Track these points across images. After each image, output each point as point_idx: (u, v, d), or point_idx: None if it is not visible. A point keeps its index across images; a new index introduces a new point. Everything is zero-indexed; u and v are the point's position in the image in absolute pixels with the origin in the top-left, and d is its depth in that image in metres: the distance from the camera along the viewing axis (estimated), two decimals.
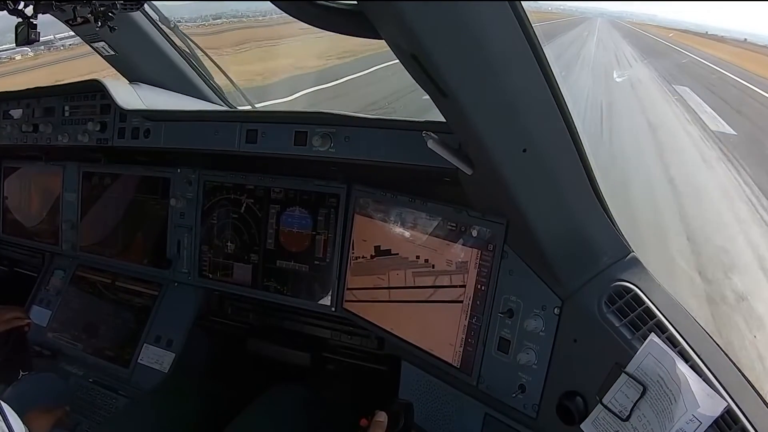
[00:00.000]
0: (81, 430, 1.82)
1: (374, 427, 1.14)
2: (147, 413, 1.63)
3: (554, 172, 1.03)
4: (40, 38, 1.22)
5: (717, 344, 1.06)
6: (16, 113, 2.12)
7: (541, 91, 0.91)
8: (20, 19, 1.17)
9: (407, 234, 1.47)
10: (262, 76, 8.98)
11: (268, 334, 1.85)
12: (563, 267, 1.15)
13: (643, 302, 1.08)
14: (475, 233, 1.31)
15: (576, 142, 1.01)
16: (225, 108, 2.09)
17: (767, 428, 0.93)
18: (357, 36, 0.86)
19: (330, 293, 1.69)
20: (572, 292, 1.16)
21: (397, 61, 0.87)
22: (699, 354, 1.00)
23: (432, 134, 1.07)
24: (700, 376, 0.96)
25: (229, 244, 1.85)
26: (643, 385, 0.99)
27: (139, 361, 1.94)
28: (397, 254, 1.49)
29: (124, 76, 1.98)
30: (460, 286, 1.34)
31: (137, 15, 1.79)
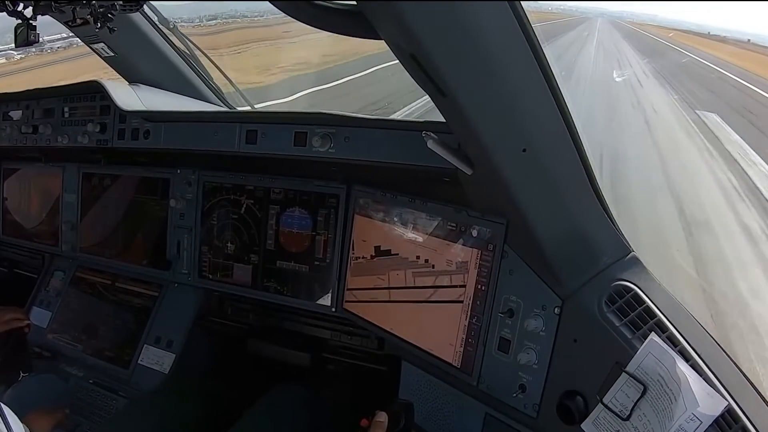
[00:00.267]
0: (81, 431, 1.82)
1: (374, 428, 1.14)
2: (147, 414, 1.63)
3: (554, 172, 1.03)
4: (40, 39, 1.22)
5: (717, 343, 1.06)
6: (16, 114, 2.12)
7: (541, 91, 0.91)
8: (20, 21, 1.17)
9: (407, 234, 1.47)
10: (261, 76, 8.99)
11: (268, 335, 1.85)
12: (563, 267, 1.15)
13: (644, 302, 1.08)
14: (475, 233, 1.31)
15: (576, 142, 1.01)
16: (224, 109, 2.09)
17: None
18: (356, 36, 0.86)
19: (330, 293, 1.69)
20: (572, 292, 1.16)
21: (397, 61, 0.87)
22: (699, 353, 1.00)
23: (432, 134, 1.07)
24: (701, 376, 0.96)
25: (228, 244, 1.85)
26: (643, 384, 0.99)
27: (139, 362, 1.94)
28: (397, 254, 1.49)
29: (123, 78, 1.98)
30: (460, 286, 1.34)
31: (136, 16, 1.79)
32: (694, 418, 0.92)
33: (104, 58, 1.92)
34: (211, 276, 1.90)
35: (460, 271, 1.34)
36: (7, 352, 1.91)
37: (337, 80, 9.54)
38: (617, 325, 1.08)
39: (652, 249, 4.12)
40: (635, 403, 1.00)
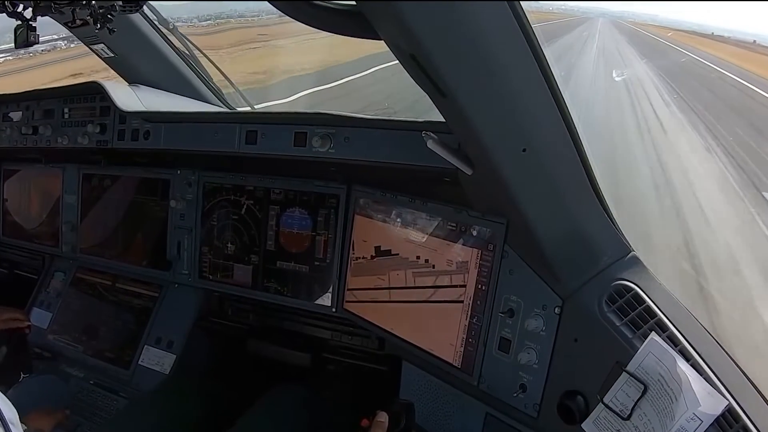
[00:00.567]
0: None
1: (375, 428, 1.14)
2: (147, 414, 1.63)
3: (554, 172, 1.03)
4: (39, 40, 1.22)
5: (718, 343, 1.06)
6: (16, 115, 2.12)
7: (541, 91, 0.91)
8: (19, 22, 1.17)
9: (407, 234, 1.47)
10: (261, 76, 8.98)
11: (268, 335, 1.85)
12: (563, 266, 1.15)
13: (644, 301, 1.08)
14: (475, 233, 1.31)
15: (576, 142, 1.01)
16: (224, 109, 2.09)
17: None
18: (356, 36, 0.86)
19: (330, 294, 1.69)
20: (573, 292, 1.16)
21: (397, 61, 0.87)
22: (700, 352, 1.00)
23: (432, 134, 1.07)
24: (701, 375, 0.96)
25: (229, 245, 1.85)
26: (644, 383, 0.99)
27: (139, 362, 1.94)
28: (398, 254, 1.49)
29: (123, 78, 1.98)
30: (461, 286, 1.34)
31: (136, 17, 1.79)
32: (695, 417, 0.92)
33: (104, 59, 1.92)
34: (211, 276, 1.90)
35: (461, 271, 1.34)
36: (7, 353, 1.91)
37: (337, 80, 9.54)
38: (618, 324, 1.08)
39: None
40: (636, 403, 1.00)
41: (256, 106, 2.30)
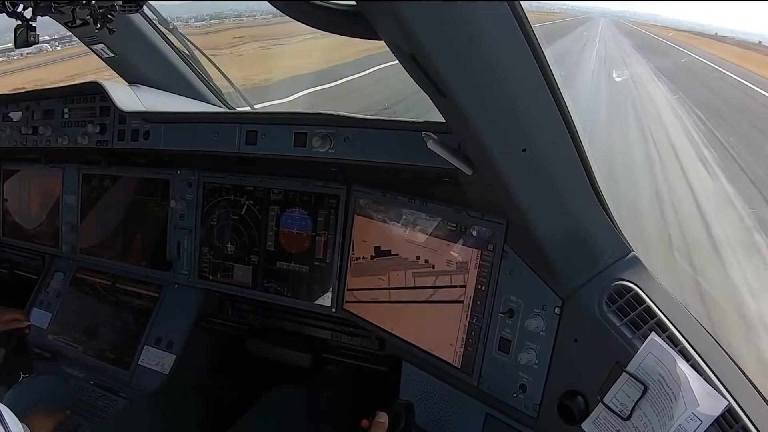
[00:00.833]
0: None
1: (375, 428, 1.13)
2: (148, 415, 1.63)
3: (554, 172, 1.03)
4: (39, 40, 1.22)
5: (718, 343, 1.06)
6: (16, 116, 2.12)
7: (541, 91, 0.91)
8: (19, 22, 1.17)
9: (407, 234, 1.47)
10: (261, 76, 8.98)
11: (268, 335, 1.85)
12: (563, 266, 1.15)
13: (644, 301, 1.08)
14: (475, 233, 1.31)
15: (576, 142, 1.01)
16: (224, 109, 2.09)
17: None
18: (356, 36, 0.86)
19: (330, 294, 1.69)
20: (572, 292, 1.16)
21: (397, 61, 0.87)
22: (699, 353, 1.00)
23: (432, 134, 1.07)
24: (701, 375, 0.96)
25: (229, 245, 1.85)
26: (643, 384, 0.99)
27: (139, 362, 1.94)
28: (397, 255, 1.49)
29: (123, 78, 1.98)
30: (461, 286, 1.34)
31: (136, 17, 1.79)
32: (695, 417, 0.92)
33: (104, 59, 1.92)
34: (211, 277, 1.90)
35: (460, 271, 1.34)
36: (7, 354, 1.91)
37: (337, 80, 9.54)
38: (617, 324, 1.08)
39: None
40: (636, 403, 1.00)
41: (256, 106, 2.31)
